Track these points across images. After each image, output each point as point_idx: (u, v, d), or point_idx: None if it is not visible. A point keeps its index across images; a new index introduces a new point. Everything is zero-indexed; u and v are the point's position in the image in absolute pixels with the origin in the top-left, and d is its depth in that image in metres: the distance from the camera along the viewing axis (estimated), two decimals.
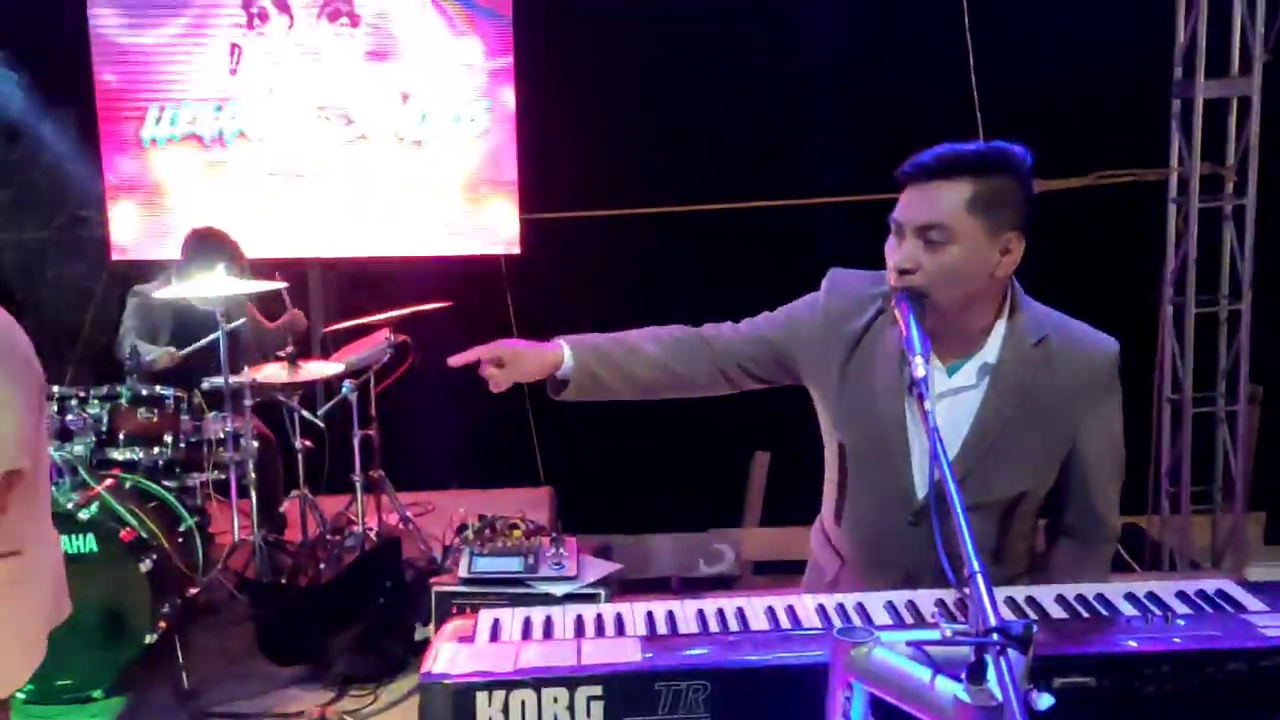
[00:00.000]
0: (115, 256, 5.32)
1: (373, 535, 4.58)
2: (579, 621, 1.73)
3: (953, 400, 1.91)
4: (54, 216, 5.40)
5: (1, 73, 5.36)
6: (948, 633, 1.27)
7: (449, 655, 1.62)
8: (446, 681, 1.54)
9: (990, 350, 1.91)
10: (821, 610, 1.72)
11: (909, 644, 1.28)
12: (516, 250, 5.26)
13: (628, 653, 1.58)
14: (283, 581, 4.26)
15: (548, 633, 1.70)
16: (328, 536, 4.52)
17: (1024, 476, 1.93)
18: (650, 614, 1.73)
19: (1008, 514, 1.95)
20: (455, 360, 1.98)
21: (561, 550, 3.87)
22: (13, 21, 5.20)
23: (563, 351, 2.02)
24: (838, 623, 1.69)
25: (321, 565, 4.34)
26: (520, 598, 3.69)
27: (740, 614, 1.72)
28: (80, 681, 3.58)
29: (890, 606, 1.73)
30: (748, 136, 5.25)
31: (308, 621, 3.93)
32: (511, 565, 3.78)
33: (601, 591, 3.72)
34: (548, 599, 3.67)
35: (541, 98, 5.19)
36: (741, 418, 5.37)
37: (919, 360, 1.68)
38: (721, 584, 5.14)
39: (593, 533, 4.86)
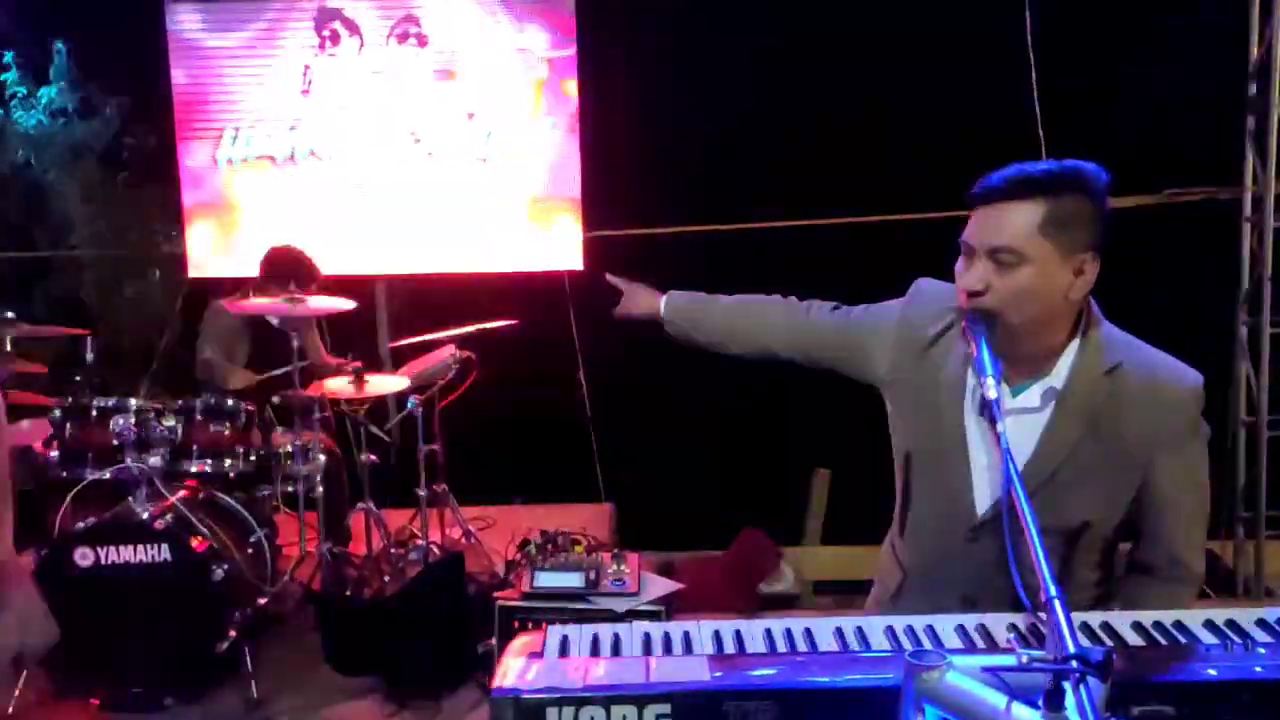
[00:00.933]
0: (192, 274, 5.45)
1: (435, 549, 4.63)
2: (646, 639, 1.73)
3: (1016, 420, 1.86)
4: (133, 235, 5.56)
5: (93, 98, 5.55)
6: (1024, 659, 1.26)
7: (518, 670, 1.62)
8: (516, 696, 1.55)
9: (1058, 375, 1.87)
10: (890, 632, 1.71)
11: (984, 669, 1.27)
12: (580, 267, 5.30)
13: (696, 672, 1.58)
14: (348, 594, 4.32)
15: (616, 650, 1.70)
16: (392, 550, 4.57)
17: (1088, 506, 1.89)
18: (717, 633, 1.73)
19: (1070, 542, 1.90)
20: (611, 278, 2.49)
21: (623, 567, 3.88)
22: (98, 53, 5.39)
23: (659, 306, 2.37)
24: (907, 645, 1.68)
25: (385, 578, 4.39)
26: (582, 614, 3.69)
27: (808, 634, 1.72)
28: (153, 688, 3.67)
29: (961, 630, 1.72)
30: (815, 153, 5.24)
31: (372, 634, 3.98)
32: (573, 581, 3.79)
33: (662, 609, 3.72)
34: (609, 615, 3.67)
35: (606, 115, 5.24)
36: (803, 435, 5.36)
37: (990, 382, 1.67)
38: (782, 603, 5.10)
39: (652, 549, 4.85)
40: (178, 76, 5.29)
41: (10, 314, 4.17)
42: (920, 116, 5.09)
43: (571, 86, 5.24)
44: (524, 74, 5.24)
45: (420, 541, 4.59)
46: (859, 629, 1.72)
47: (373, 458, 4.60)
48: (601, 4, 5.21)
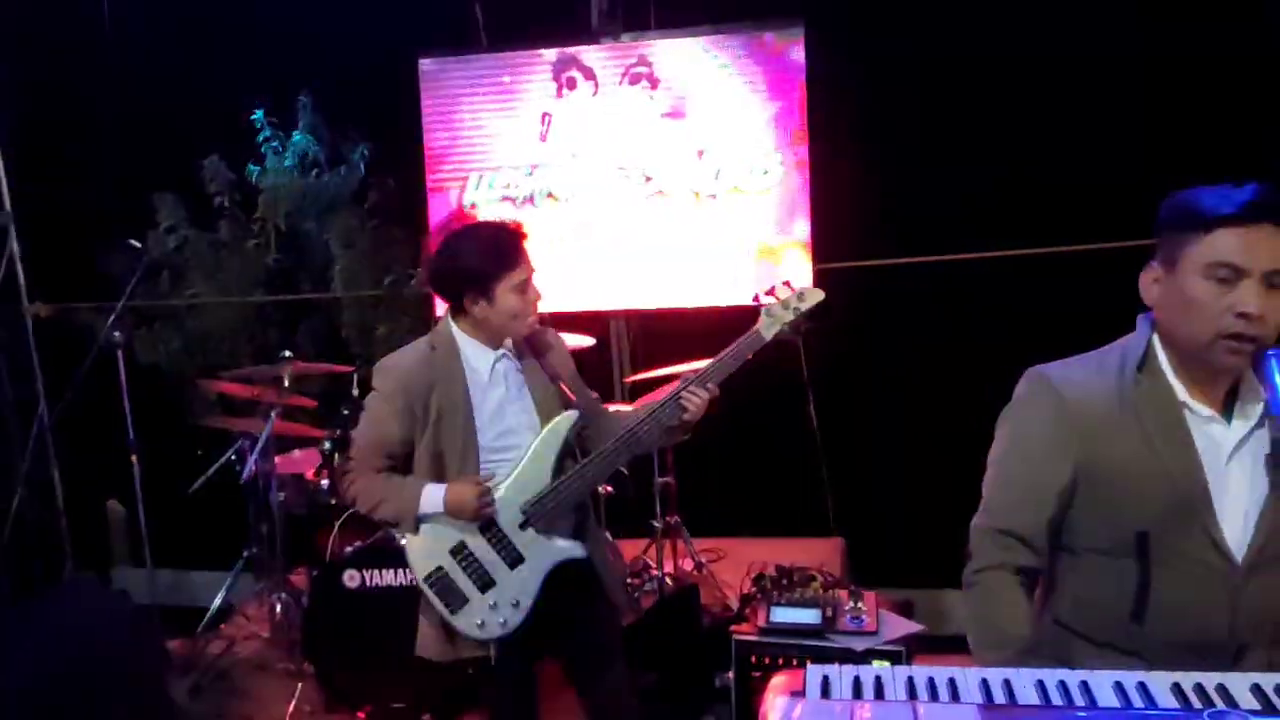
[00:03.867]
0: (439, 313, 5.77)
1: (669, 581, 4.70)
2: (910, 684, 1.71)
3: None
4: (385, 276, 5.95)
5: (340, 146, 6.01)
6: None
7: (784, 709, 1.65)
8: None
9: None
10: (1177, 689, 1.62)
11: None
12: None
13: None
14: None
15: (879, 693, 1.69)
16: (627, 580, 4.67)
17: None
18: (985, 681, 1.69)
19: None
20: None
21: (860, 604, 3.84)
22: (357, 103, 5.83)
23: None
24: (1196, 703, 1.59)
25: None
26: (819, 651, 3.67)
27: (1084, 687, 1.65)
28: (414, 703, 3.89)
29: (1257, 690, 1.61)
30: (1048, 177, 5.02)
31: None
32: (810, 617, 3.78)
33: (902, 650, 3.64)
34: (847, 654, 3.63)
35: (834, 147, 5.22)
36: None
37: None
38: None
39: (886, 586, 4.75)
40: (428, 126, 5.64)
41: (288, 353, 4.56)
42: (1162, 141, 4.79)
43: (802, 147, 5.24)
44: (753, 109, 5.29)
45: (655, 572, 4.67)
46: (1141, 684, 1.64)
47: (609, 489, 4.72)
48: (829, 33, 5.21)
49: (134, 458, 4.78)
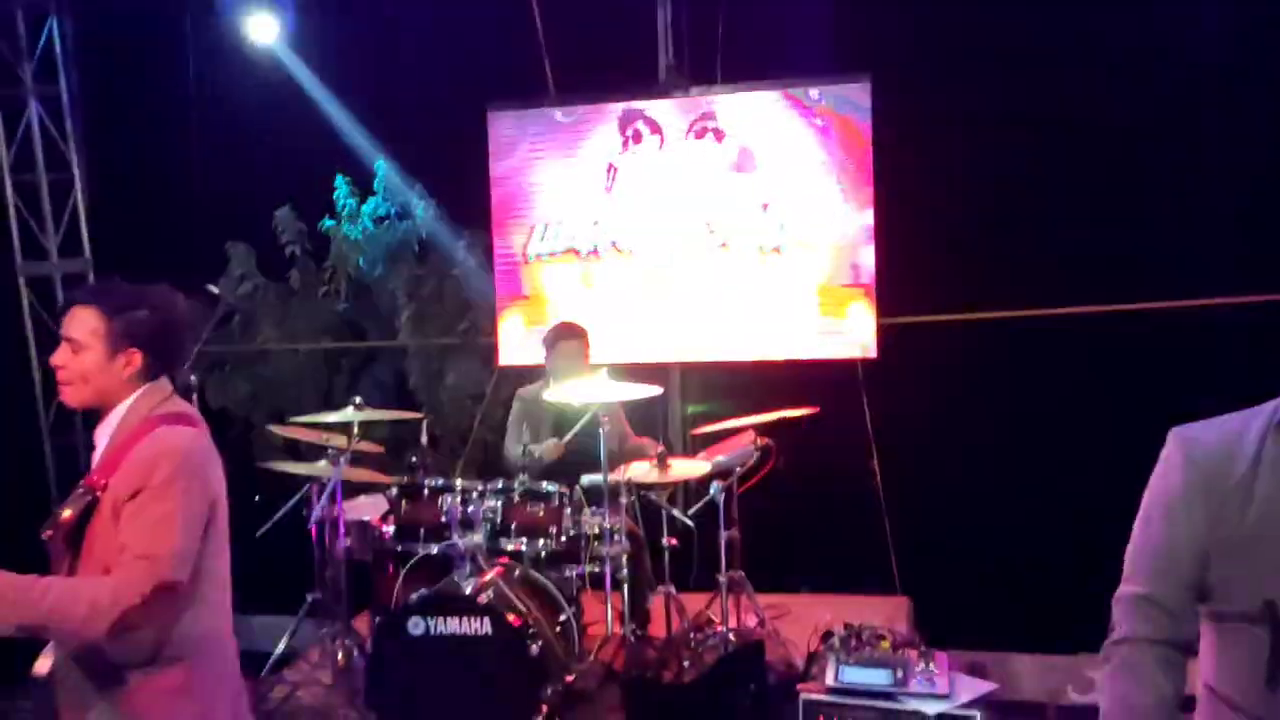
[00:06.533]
0: (502, 362, 5.83)
1: (732, 636, 4.63)
2: None
3: None
4: (453, 326, 6.01)
5: (410, 203, 6.11)
6: None
7: None
8: None
9: None
10: None
11: None
12: (873, 354, 5.24)
13: None
14: (648, 676, 4.38)
15: None
16: (690, 634, 4.61)
17: None
18: None
19: None
20: None
21: (931, 665, 3.75)
22: (426, 160, 5.93)
23: None
24: None
25: (685, 663, 4.43)
26: (889, 713, 3.60)
27: None
28: None
29: None
30: (1118, 234, 4.96)
31: (678, 717, 4.02)
32: (880, 678, 3.70)
33: (976, 714, 3.56)
34: (918, 717, 3.55)
35: (901, 201, 5.21)
36: (1116, 525, 4.97)
37: None
38: (1097, 714, 4.71)
39: (954, 646, 4.64)
40: (495, 176, 5.72)
41: (358, 399, 4.60)
42: (1250, 189, 4.73)
43: (867, 201, 5.24)
44: (819, 163, 5.31)
45: (720, 628, 4.60)
46: None
47: (673, 541, 4.68)
48: (895, 87, 5.23)
49: None
